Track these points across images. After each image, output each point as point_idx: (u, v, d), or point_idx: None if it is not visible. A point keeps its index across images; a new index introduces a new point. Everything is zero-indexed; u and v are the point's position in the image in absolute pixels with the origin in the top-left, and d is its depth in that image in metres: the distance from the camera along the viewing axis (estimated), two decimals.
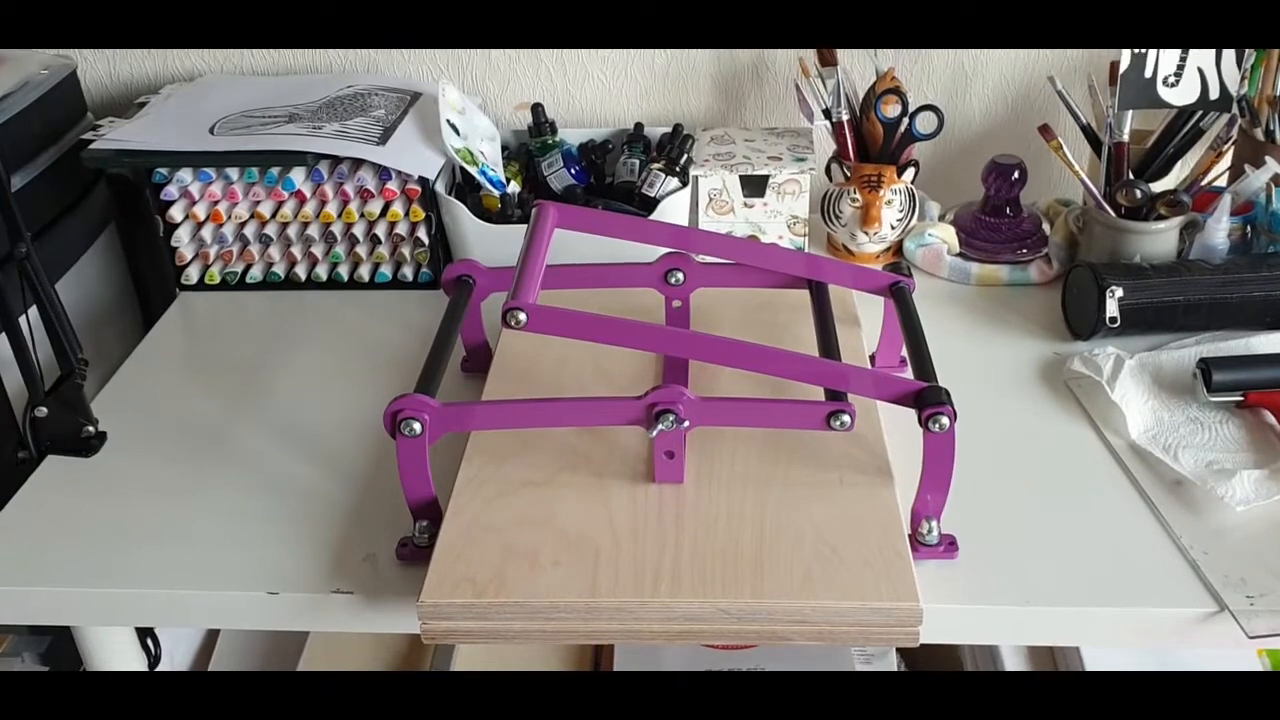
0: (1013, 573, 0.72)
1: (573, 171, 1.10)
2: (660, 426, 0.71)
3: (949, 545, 0.73)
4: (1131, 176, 1.01)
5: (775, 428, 0.78)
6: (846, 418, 0.71)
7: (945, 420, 0.69)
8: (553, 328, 0.71)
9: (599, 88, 1.21)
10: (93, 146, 1.02)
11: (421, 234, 1.05)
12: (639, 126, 1.14)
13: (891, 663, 1.17)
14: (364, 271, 1.07)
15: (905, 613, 0.65)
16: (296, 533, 0.77)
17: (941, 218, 1.11)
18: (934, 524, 0.73)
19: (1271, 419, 0.84)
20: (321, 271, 1.07)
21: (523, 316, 0.70)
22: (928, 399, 0.69)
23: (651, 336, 0.75)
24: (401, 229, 1.05)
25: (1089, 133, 1.06)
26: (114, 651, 0.85)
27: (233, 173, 1.03)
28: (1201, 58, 0.97)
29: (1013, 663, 1.06)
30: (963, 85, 1.20)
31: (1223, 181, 1.04)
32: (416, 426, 0.69)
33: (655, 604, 0.66)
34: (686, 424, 0.71)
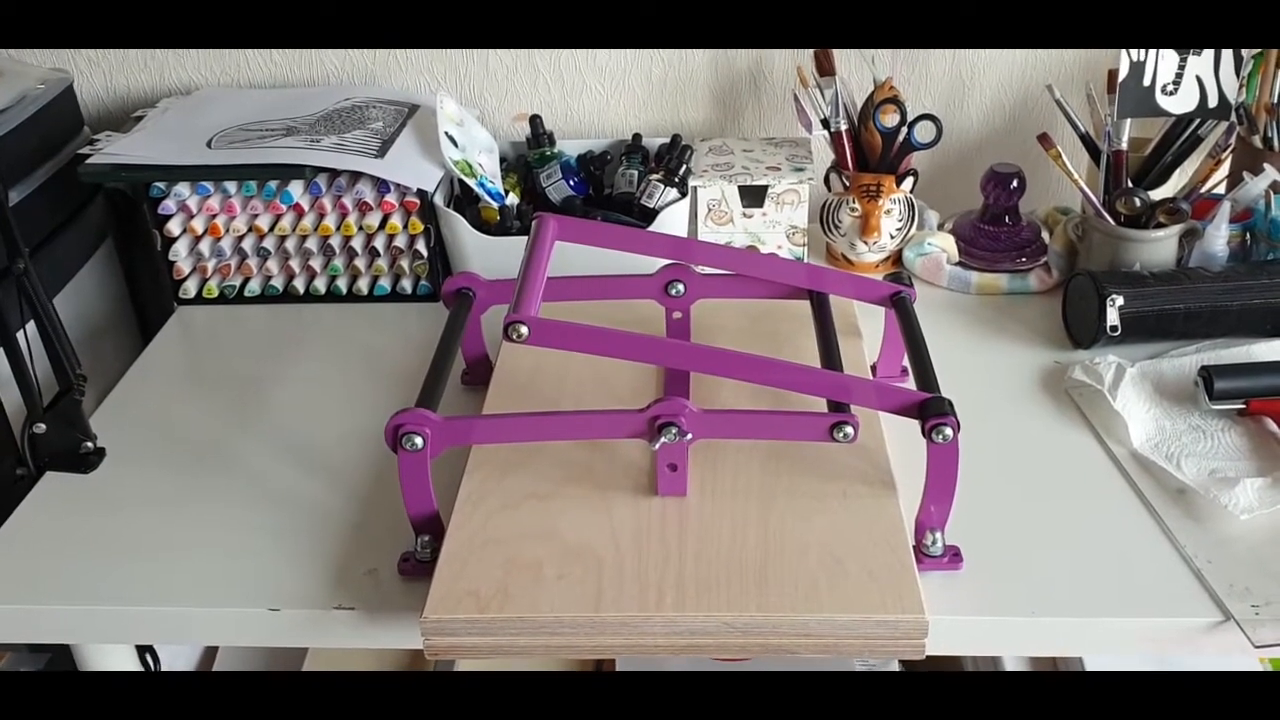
0: (1017, 583, 0.72)
1: (571, 183, 1.10)
2: (663, 439, 0.70)
3: (953, 556, 0.73)
4: (1130, 184, 1.01)
5: (778, 440, 0.77)
6: (850, 429, 0.71)
7: (949, 431, 0.68)
8: (554, 341, 0.71)
9: (596, 99, 1.21)
10: (89, 161, 1.01)
11: (420, 246, 1.04)
12: (637, 137, 1.14)
13: (893, 669, 1.16)
14: (363, 284, 1.07)
15: (911, 625, 0.65)
16: (297, 548, 0.76)
17: (941, 226, 1.11)
18: (938, 535, 0.72)
19: (1273, 427, 0.83)
20: (320, 285, 1.07)
21: (524, 330, 0.70)
22: (931, 410, 0.69)
23: (653, 349, 0.75)
24: (400, 241, 1.05)
25: (1087, 141, 1.06)
26: (113, 668, 0.85)
27: (230, 186, 1.03)
28: (1199, 65, 0.97)
29: (1013, 665, 1.06)
30: (960, 94, 1.20)
31: (1221, 189, 1.04)
32: (418, 441, 0.69)
33: (660, 618, 0.65)
34: (689, 436, 0.71)
